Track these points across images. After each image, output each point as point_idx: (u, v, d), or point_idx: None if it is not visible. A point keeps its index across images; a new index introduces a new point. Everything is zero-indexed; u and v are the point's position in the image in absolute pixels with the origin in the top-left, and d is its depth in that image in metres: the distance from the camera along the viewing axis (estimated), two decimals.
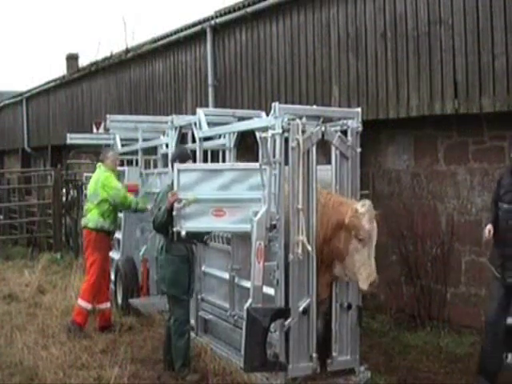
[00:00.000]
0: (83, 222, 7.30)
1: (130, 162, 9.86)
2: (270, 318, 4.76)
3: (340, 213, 4.94)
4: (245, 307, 4.91)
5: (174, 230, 5.27)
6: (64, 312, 7.56)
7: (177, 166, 5.39)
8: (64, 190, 13.08)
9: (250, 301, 4.91)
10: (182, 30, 11.61)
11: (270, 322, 4.75)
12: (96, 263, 7.04)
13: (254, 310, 4.77)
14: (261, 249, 4.89)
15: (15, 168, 20.43)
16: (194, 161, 7.11)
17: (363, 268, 4.82)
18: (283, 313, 4.91)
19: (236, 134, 6.58)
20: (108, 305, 7.22)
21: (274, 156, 5.01)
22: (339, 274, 5.10)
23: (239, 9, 9.98)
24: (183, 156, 5.82)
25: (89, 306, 6.98)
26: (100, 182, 7.19)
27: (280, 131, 4.97)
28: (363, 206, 4.84)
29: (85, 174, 11.89)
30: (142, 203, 7.50)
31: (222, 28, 10.59)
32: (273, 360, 4.90)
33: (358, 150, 5.29)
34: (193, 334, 6.53)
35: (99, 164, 7.44)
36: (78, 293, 7.27)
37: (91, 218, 7.13)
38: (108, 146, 10.11)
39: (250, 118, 6.86)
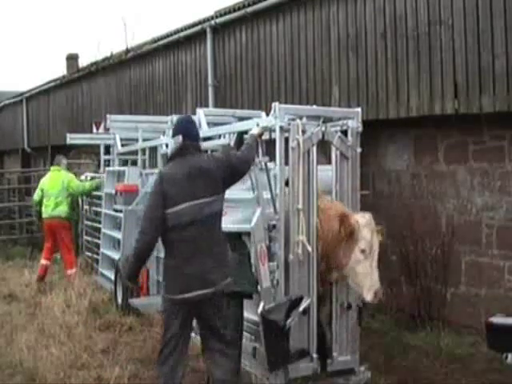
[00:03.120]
0: (55, 212, 9.38)
1: (131, 162, 9.86)
2: (286, 315, 4.68)
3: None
4: (258, 311, 4.80)
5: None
6: (64, 312, 7.57)
7: None
8: None
9: (261, 304, 4.80)
10: (182, 30, 11.61)
11: (285, 319, 4.68)
12: (71, 241, 9.78)
13: (268, 312, 4.71)
14: (263, 251, 4.87)
15: (15, 168, 20.42)
16: None
17: (366, 279, 4.81)
18: (296, 303, 4.78)
19: (236, 134, 6.57)
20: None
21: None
22: (336, 279, 5.11)
23: (239, 9, 9.99)
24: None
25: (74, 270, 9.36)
26: (67, 181, 9.49)
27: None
28: (363, 218, 4.85)
29: (86, 174, 11.89)
30: (89, 186, 9.89)
31: (222, 28, 10.59)
32: (295, 351, 4.86)
33: (358, 150, 5.28)
34: (192, 334, 6.53)
35: (57, 168, 9.68)
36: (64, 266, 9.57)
37: (63, 209, 9.43)
38: (109, 146, 10.18)
39: (249, 117, 6.85)
